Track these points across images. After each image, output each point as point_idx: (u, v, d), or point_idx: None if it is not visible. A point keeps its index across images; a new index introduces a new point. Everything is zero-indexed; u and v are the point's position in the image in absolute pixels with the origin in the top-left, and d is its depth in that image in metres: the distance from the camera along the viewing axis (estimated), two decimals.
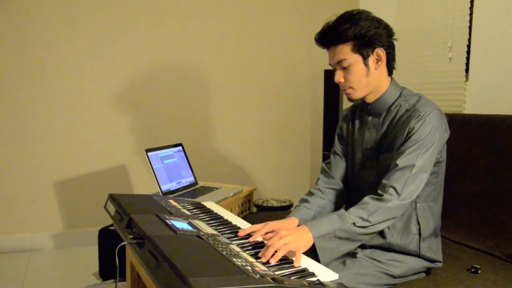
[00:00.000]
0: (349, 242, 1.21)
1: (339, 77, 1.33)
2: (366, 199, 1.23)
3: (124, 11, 2.75)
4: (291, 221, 1.36)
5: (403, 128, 1.28)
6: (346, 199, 1.54)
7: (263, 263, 1.02)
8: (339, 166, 1.53)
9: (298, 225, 1.37)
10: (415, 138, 1.24)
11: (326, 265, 1.12)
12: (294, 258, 1.08)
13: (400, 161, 1.23)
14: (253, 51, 3.05)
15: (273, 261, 1.04)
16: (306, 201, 1.47)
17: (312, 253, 1.16)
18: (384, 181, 1.25)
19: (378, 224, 1.21)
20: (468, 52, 2.18)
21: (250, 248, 1.13)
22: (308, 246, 1.14)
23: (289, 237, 1.11)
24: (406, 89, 1.39)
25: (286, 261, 1.06)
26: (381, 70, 1.34)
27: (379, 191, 1.23)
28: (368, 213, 1.19)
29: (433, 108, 1.27)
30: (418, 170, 1.22)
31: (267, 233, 1.22)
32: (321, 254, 1.16)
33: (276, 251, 1.06)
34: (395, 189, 1.21)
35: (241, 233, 1.22)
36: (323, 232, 1.17)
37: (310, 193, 1.51)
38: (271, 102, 3.14)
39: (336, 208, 1.51)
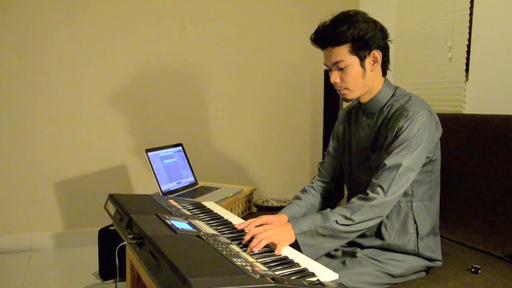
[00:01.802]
0: (333, 240, 1.24)
1: (335, 77, 1.34)
2: (353, 199, 1.27)
3: (124, 10, 2.75)
4: (281, 217, 1.42)
5: (393, 128, 1.30)
6: (338, 199, 1.61)
7: (264, 264, 1.02)
8: (332, 168, 1.59)
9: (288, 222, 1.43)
10: (403, 137, 1.26)
11: (315, 259, 1.15)
12: (291, 257, 1.10)
13: (388, 161, 1.26)
14: (253, 51, 3.05)
15: (256, 250, 1.10)
16: (298, 198, 1.54)
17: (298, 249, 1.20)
18: (373, 180, 1.28)
19: (362, 223, 1.23)
20: (468, 52, 2.18)
21: (241, 244, 1.15)
22: (290, 241, 1.20)
23: (272, 230, 1.18)
24: (398, 89, 1.40)
25: (285, 260, 1.07)
26: (376, 71, 1.35)
27: (367, 190, 1.26)
28: (351, 212, 1.23)
29: (422, 107, 1.29)
30: (405, 169, 1.24)
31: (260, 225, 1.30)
32: (304, 250, 1.20)
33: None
34: (382, 188, 1.24)
35: (238, 227, 1.29)
36: (304, 229, 1.22)
37: (303, 190, 1.58)
38: (271, 102, 3.14)
39: (327, 206, 1.55)
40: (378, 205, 1.23)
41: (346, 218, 1.22)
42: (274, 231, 1.17)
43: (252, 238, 1.17)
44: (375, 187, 1.25)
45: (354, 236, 1.27)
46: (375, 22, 1.31)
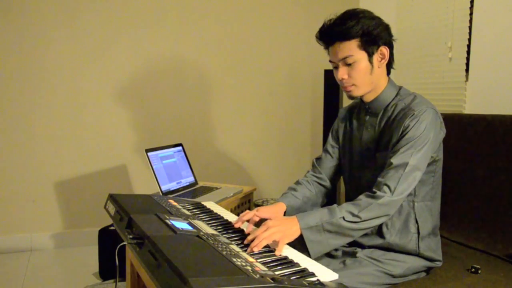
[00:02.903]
0: (339, 237, 1.22)
1: (342, 73, 1.32)
2: (360, 196, 1.25)
3: (124, 10, 2.75)
4: (279, 206, 1.41)
5: (398, 127, 1.29)
6: (331, 196, 1.60)
7: (264, 264, 1.02)
8: (328, 165, 1.57)
9: (285, 211, 1.43)
10: (409, 136, 1.26)
11: (317, 258, 1.15)
12: (291, 257, 1.09)
13: (394, 160, 1.25)
14: (253, 51, 3.05)
15: (256, 250, 1.08)
16: (294, 189, 1.52)
17: (303, 245, 1.19)
18: (379, 179, 1.27)
19: (369, 221, 1.22)
20: (468, 52, 2.18)
21: (242, 244, 1.14)
22: (294, 237, 1.17)
23: (274, 228, 1.15)
24: (402, 89, 1.40)
25: (285, 260, 1.06)
26: (382, 69, 1.35)
27: (373, 189, 1.25)
28: (359, 209, 1.21)
29: (428, 107, 1.28)
30: (412, 168, 1.23)
31: (258, 221, 1.29)
32: (310, 247, 1.18)
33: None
34: (389, 187, 1.22)
35: (236, 224, 1.28)
36: (311, 224, 1.20)
37: (298, 183, 1.56)
38: (271, 102, 3.14)
39: (321, 202, 1.57)
40: (386, 204, 1.21)
41: (353, 215, 1.20)
42: (276, 229, 1.15)
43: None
44: (381, 186, 1.23)
45: (360, 234, 1.25)
46: (380, 20, 1.32)
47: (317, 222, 1.20)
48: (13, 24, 2.57)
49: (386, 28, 1.33)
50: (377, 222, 1.24)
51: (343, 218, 1.20)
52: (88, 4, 2.68)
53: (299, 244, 1.19)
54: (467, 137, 1.84)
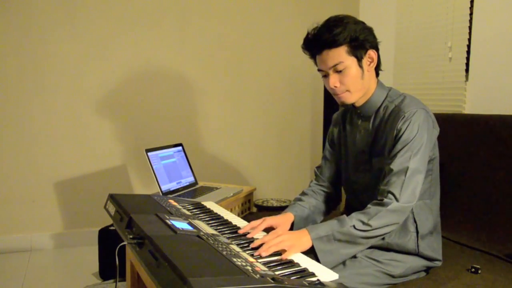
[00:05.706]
0: (350, 245, 1.21)
1: (334, 81, 1.31)
2: (368, 205, 1.24)
3: (124, 11, 2.75)
4: (287, 216, 1.40)
5: (391, 130, 1.29)
6: (337, 202, 1.60)
7: (264, 264, 1.02)
8: (329, 171, 1.58)
9: (293, 221, 1.41)
10: (404, 139, 1.25)
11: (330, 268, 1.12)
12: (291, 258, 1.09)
13: (394, 165, 1.24)
14: (253, 51, 3.05)
15: (264, 254, 1.07)
16: (300, 199, 1.53)
17: (315, 258, 1.17)
18: (381, 187, 1.26)
19: (379, 229, 1.21)
20: (468, 52, 2.18)
21: (250, 248, 1.13)
22: (304, 247, 1.16)
23: (285, 236, 1.14)
24: (392, 90, 1.40)
25: (285, 260, 1.06)
26: (371, 73, 1.36)
27: (379, 197, 1.24)
28: (369, 217, 1.20)
29: (418, 107, 1.28)
30: (413, 172, 1.23)
31: (265, 229, 1.28)
32: (321, 256, 1.17)
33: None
34: (393, 194, 1.22)
35: (241, 231, 1.25)
36: (321, 234, 1.19)
37: (303, 193, 1.57)
38: (271, 102, 3.14)
39: (328, 210, 1.56)
40: (395, 210, 1.21)
41: (363, 223, 1.20)
42: (286, 237, 1.14)
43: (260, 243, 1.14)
44: (385, 194, 1.23)
45: (372, 242, 1.24)
46: (364, 23, 1.33)
47: (327, 231, 1.19)
48: (13, 24, 2.56)
49: (371, 31, 1.33)
50: (387, 230, 1.22)
51: (354, 226, 1.19)
52: (88, 5, 2.68)
53: (311, 254, 1.17)
54: (467, 137, 1.84)
